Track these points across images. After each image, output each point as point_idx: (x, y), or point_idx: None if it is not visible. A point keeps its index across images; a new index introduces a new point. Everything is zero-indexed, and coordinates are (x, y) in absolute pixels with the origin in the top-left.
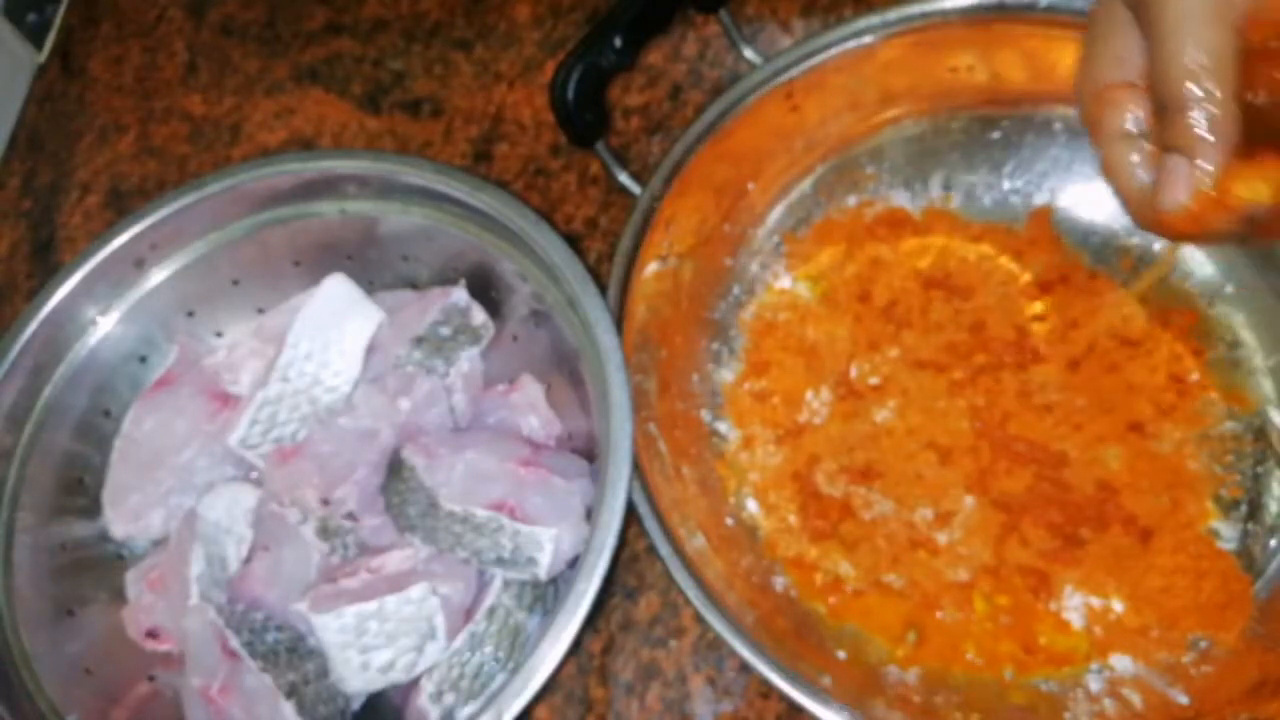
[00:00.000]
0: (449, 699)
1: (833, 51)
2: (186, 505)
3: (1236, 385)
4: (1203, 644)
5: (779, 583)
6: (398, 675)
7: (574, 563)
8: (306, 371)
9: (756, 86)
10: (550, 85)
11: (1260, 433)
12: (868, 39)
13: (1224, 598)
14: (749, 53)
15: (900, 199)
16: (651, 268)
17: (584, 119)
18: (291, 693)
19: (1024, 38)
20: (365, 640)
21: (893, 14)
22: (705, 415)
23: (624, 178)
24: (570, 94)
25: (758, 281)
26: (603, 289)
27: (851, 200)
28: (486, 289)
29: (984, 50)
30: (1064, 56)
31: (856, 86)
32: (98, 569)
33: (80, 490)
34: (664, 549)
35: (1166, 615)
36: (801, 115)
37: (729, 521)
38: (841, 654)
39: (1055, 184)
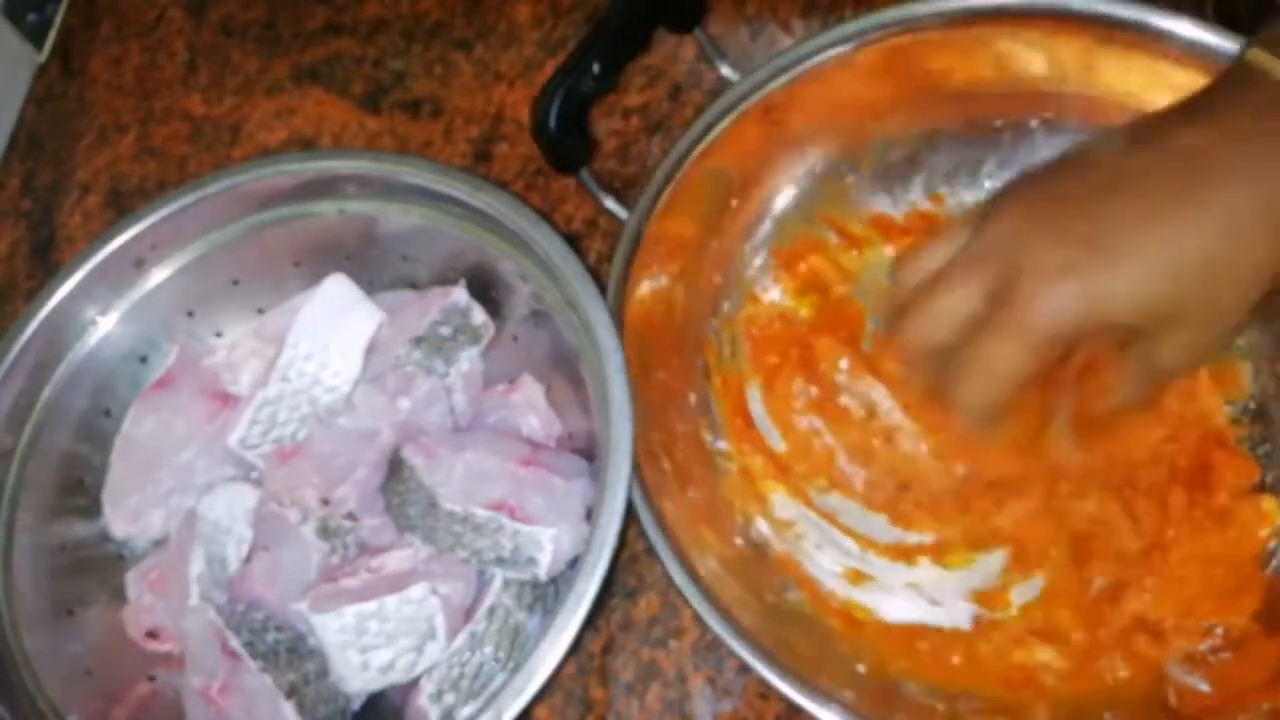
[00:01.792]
0: (449, 699)
1: (809, 63)
2: (186, 505)
3: (1225, 370)
4: (1219, 630)
5: (792, 599)
6: (398, 675)
7: (574, 563)
8: (306, 371)
9: (735, 103)
10: (531, 114)
11: (1257, 415)
12: (844, 48)
13: (1235, 581)
14: (725, 70)
15: (883, 205)
16: (644, 288)
17: (567, 144)
18: (292, 693)
19: (996, 40)
20: (365, 640)
21: (867, 21)
22: (707, 436)
23: (610, 203)
24: (552, 122)
25: (747, 296)
26: (602, 289)
27: (835, 209)
28: (486, 289)
29: (959, 54)
30: (1034, 58)
31: (835, 96)
32: (98, 569)
33: (80, 490)
34: (662, 549)
35: (1182, 604)
36: (782, 129)
37: (738, 542)
38: (861, 668)
39: None
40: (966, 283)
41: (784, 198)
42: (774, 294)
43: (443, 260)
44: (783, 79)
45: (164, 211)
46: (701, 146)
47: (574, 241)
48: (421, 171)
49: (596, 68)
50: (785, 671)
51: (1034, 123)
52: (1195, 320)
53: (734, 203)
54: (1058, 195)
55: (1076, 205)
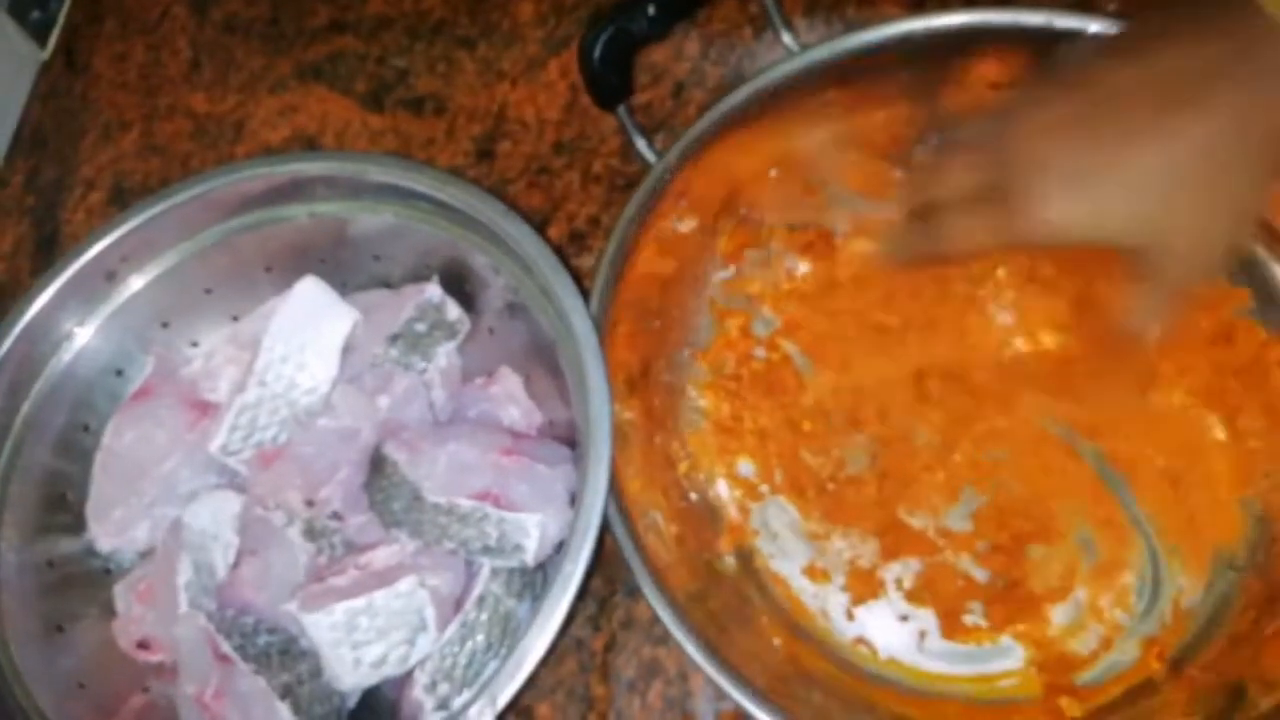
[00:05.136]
0: (443, 689)
1: (876, 51)
2: (171, 515)
3: None
4: None
5: (729, 563)
6: (391, 669)
7: (560, 547)
8: (284, 375)
9: (792, 74)
10: (579, 45)
11: None
12: (915, 42)
13: None
14: (787, 39)
15: None
16: (656, 237)
17: (609, 80)
18: (286, 694)
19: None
20: (356, 636)
21: (941, 20)
22: (690, 391)
23: (642, 145)
24: (597, 54)
25: (769, 270)
26: (580, 281)
27: (876, 202)
28: (460, 284)
29: (1023, 72)
30: None
31: (893, 89)
32: (86, 584)
33: (64, 507)
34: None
35: None
36: (835, 110)
37: (692, 496)
38: (777, 641)
39: None
40: (974, 166)
41: (827, 178)
42: (798, 273)
43: (415, 257)
44: (847, 60)
45: (133, 223)
46: (749, 110)
47: (577, 240)
48: (390, 170)
49: (651, 10)
50: (710, 650)
51: None
52: (1191, 234)
53: (773, 173)
54: (1062, 114)
55: (1080, 122)
